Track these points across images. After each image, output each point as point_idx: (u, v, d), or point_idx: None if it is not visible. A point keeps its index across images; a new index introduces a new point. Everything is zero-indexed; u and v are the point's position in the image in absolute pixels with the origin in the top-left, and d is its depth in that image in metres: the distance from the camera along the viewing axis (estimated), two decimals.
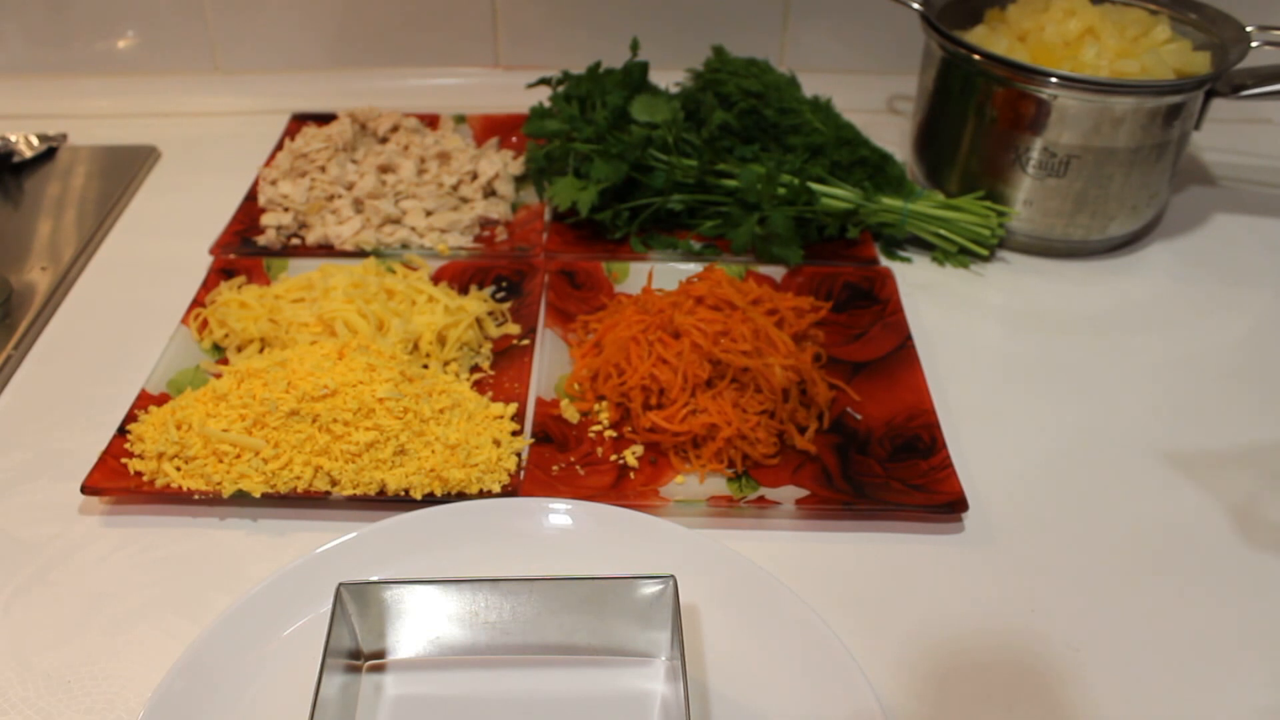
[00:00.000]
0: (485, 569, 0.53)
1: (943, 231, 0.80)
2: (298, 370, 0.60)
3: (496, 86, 1.03)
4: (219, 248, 0.79)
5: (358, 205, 0.83)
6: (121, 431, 0.61)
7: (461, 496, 0.58)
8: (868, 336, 0.71)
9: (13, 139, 0.94)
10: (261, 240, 0.81)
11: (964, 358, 0.72)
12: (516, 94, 0.92)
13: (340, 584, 0.48)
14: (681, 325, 0.64)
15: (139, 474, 0.59)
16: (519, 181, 0.89)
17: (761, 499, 0.59)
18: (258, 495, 0.57)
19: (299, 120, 0.96)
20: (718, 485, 0.61)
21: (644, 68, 0.86)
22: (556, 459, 0.62)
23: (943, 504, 0.58)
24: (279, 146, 0.92)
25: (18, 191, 0.90)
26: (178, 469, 0.59)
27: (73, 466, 0.60)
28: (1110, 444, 0.65)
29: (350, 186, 0.85)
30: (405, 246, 0.80)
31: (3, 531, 0.58)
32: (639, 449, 0.63)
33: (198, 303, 0.72)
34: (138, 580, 0.55)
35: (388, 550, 0.54)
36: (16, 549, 0.57)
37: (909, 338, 0.70)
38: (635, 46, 0.85)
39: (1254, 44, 0.79)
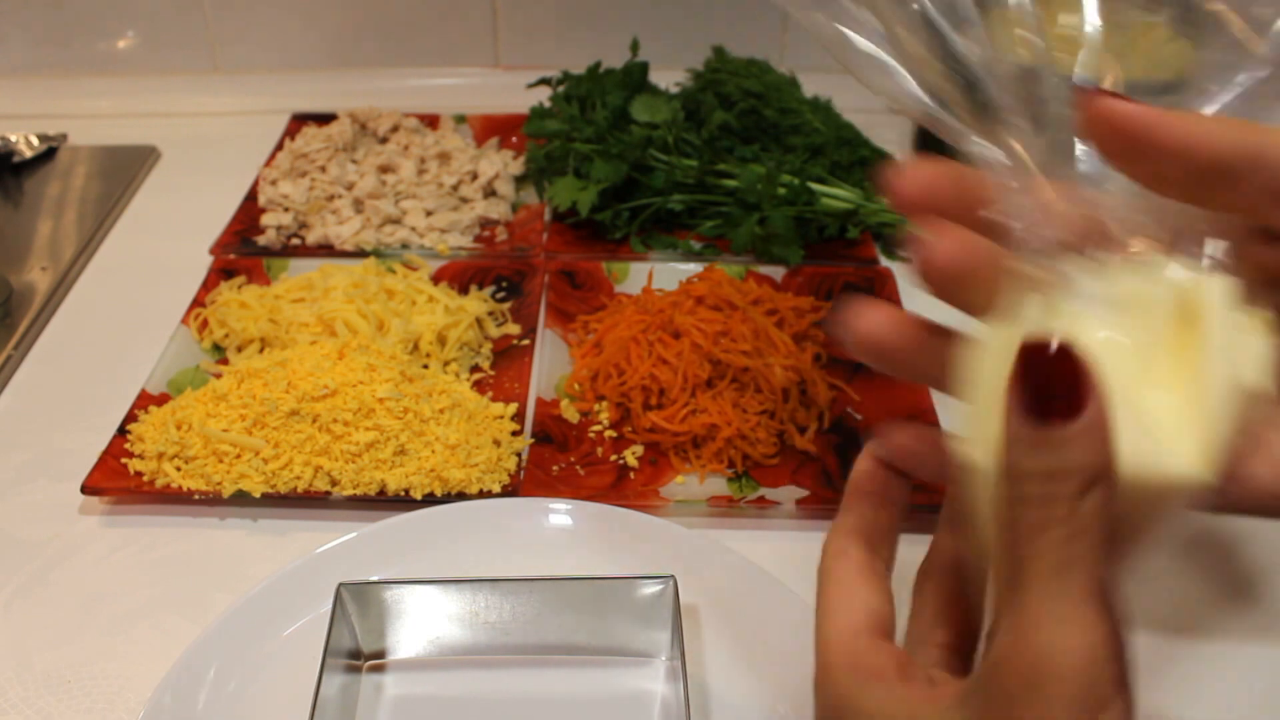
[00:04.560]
0: (485, 569, 0.53)
1: None
2: (298, 370, 0.60)
3: (496, 86, 1.03)
4: (219, 248, 0.79)
5: (358, 205, 0.83)
6: (121, 431, 0.61)
7: (461, 496, 0.58)
8: None
9: (13, 139, 0.94)
10: (261, 240, 0.81)
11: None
12: (516, 94, 0.92)
13: (340, 584, 0.48)
14: (681, 325, 0.64)
15: (139, 474, 0.59)
16: (519, 181, 0.89)
17: (761, 499, 0.59)
18: (258, 495, 0.57)
19: (299, 120, 0.96)
20: (718, 485, 0.61)
21: (644, 68, 0.86)
22: (556, 459, 0.62)
23: (942, 503, 0.58)
24: (279, 146, 0.92)
25: (18, 191, 0.90)
26: (178, 469, 0.59)
27: (73, 466, 0.60)
28: None
29: (350, 186, 0.85)
30: (405, 246, 0.80)
31: (3, 531, 0.58)
32: (639, 449, 0.63)
33: (198, 303, 0.72)
34: (138, 580, 0.55)
35: (388, 550, 0.54)
36: (16, 549, 0.57)
37: None
38: (635, 46, 0.85)
39: None
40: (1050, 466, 0.24)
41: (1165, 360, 0.28)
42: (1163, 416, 0.27)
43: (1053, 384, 0.24)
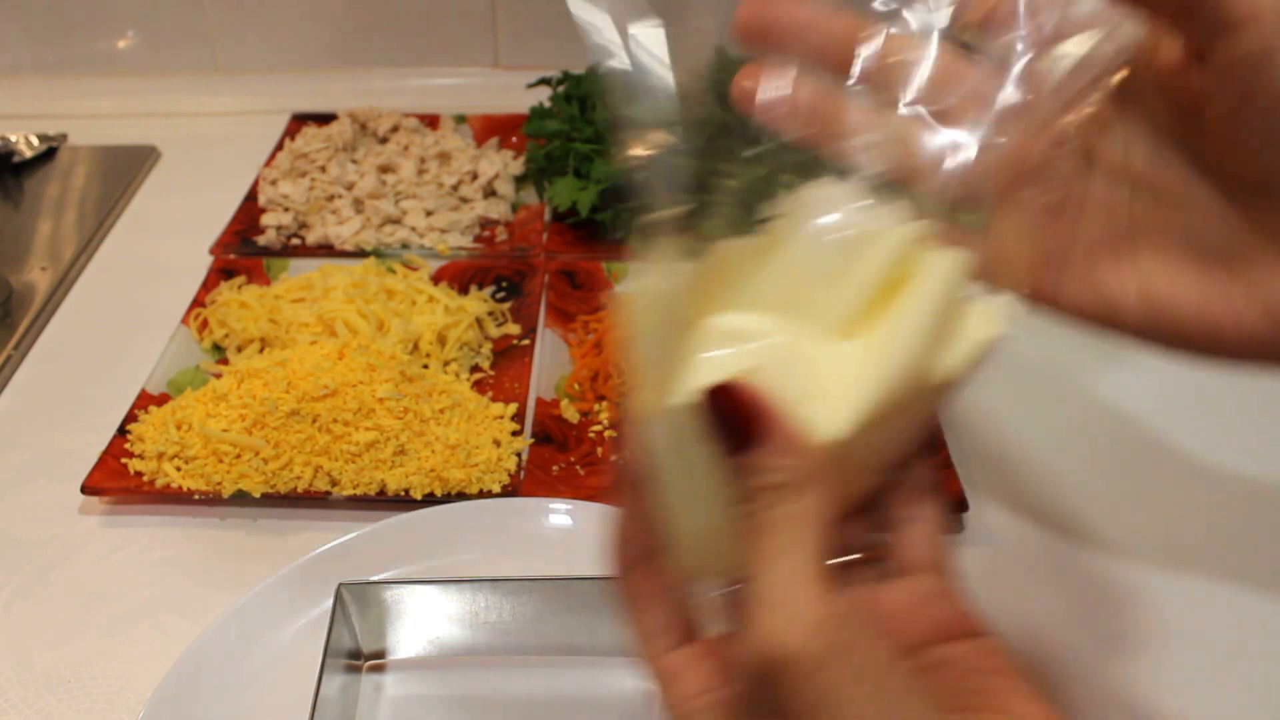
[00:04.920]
0: (485, 569, 0.53)
1: None
2: (298, 370, 0.60)
3: (496, 86, 1.03)
4: (219, 248, 0.79)
5: (358, 205, 0.83)
6: (121, 431, 0.61)
7: (461, 496, 0.58)
8: None
9: (13, 139, 0.94)
10: (261, 240, 0.81)
11: None
12: (516, 94, 0.92)
13: (340, 584, 0.48)
14: None
15: (139, 474, 0.59)
16: (519, 181, 0.89)
17: None
18: (258, 495, 0.57)
19: (299, 120, 0.96)
20: None
21: None
22: (556, 459, 0.62)
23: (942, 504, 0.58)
24: (279, 146, 0.92)
25: (18, 191, 0.90)
26: (178, 469, 0.59)
27: (73, 466, 0.60)
28: (1111, 443, 0.65)
29: (350, 186, 0.85)
30: (405, 246, 0.80)
31: (3, 531, 0.58)
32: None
33: (198, 303, 0.72)
34: (138, 580, 0.55)
35: (388, 550, 0.54)
36: (16, 549, 0.57)
37: None
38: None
39: None
40: (757, 482, 0.26)
41: (867, 312, 0.29)
42: (827, 374, 0.28)
43: (736, 420, 0.27)
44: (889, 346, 0.28)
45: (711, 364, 0.27)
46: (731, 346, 0.28)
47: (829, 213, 0.29)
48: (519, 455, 0.61)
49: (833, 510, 0.27)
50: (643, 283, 0.28)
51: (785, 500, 0.26)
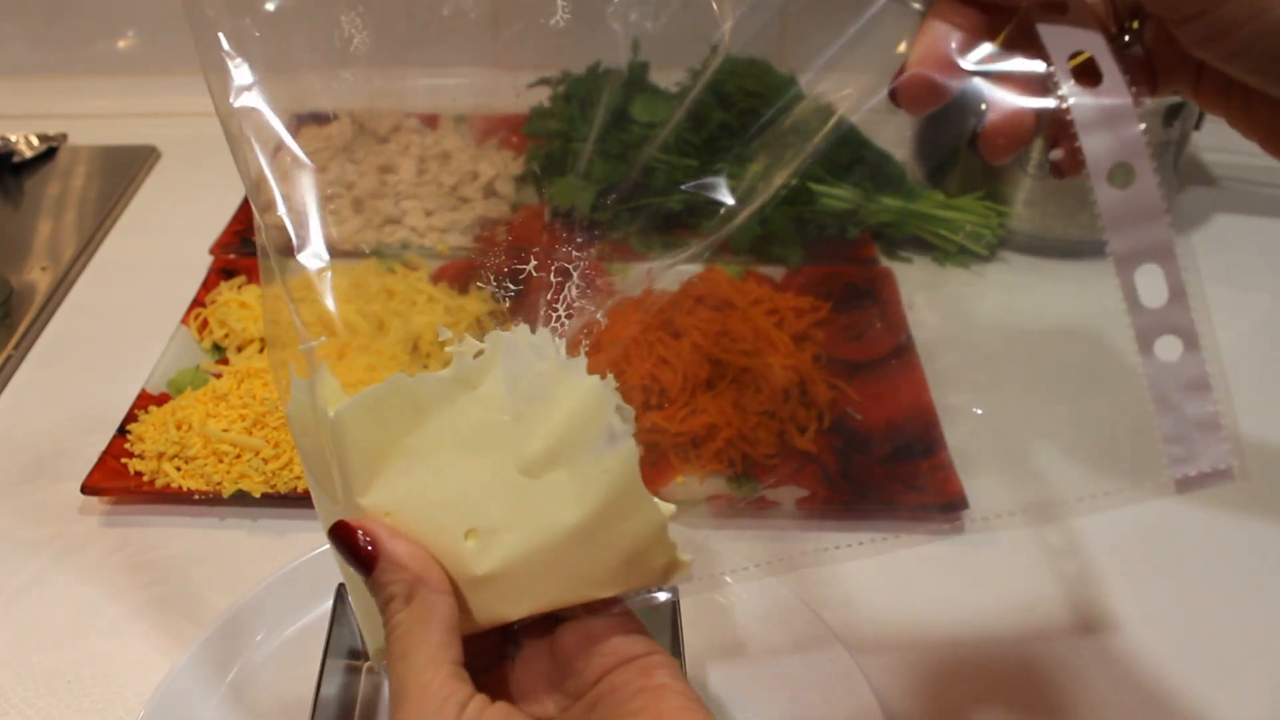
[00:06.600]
0: None
1: (943, 231, 0.80)
2: None
3: (496, 86, 1.03)
4: (219, 248, 0.79)
5: (358, 205, 0.83)
6: (121, 431, 0.61)
7: None
8: (868, 337, 0.71)
9: (13, 139, 0.94)
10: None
11: (964, 358, 0.72)
12: (516, 94, 0.92)
13: (340, 584, 0.48)
14: (681, 325, 0.64)
15: (139, 474, 0.59)
16: (519, 181, 0.89)
17: (762, 499, 0.59)
18: (258, 495, 0.57)
19: (299, 120, 0.96)
20: (718, 485, 0.61)
21: (644, 68, 0.86)
22: None
23: (943, 504, 0.58)
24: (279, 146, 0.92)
25: (18, 191, 0.90)
26: (178, 469, 0.59)
27: (73, 466, 0.60)
28: (1110, 443, 0.65)
29: (350, 186, 0.85)
30: (405, 246, 0.80)
31: (3, 531, 0.58)
32: (639, 449, 0.62)
33: (198, 303, 0.72)
34: (138, 580, 0.55)
35: None
36: (16, 549, 0.57)
37: (909, 338, 0.70)
38: (635, 46, 0.85)
39: None
40: (381, 597, 0.32)
41: (550, 454, 0.33)
42: (500, 510, 0.32)
43: (354, 547, 0.32)
44: (555, 524, 0.32)
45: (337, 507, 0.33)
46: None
47: (522, 359, 0.34)
48: None
49: (451, 608, 0.32)
50: (296, 404, 0.33)
51: (401, 608, 0.31)
